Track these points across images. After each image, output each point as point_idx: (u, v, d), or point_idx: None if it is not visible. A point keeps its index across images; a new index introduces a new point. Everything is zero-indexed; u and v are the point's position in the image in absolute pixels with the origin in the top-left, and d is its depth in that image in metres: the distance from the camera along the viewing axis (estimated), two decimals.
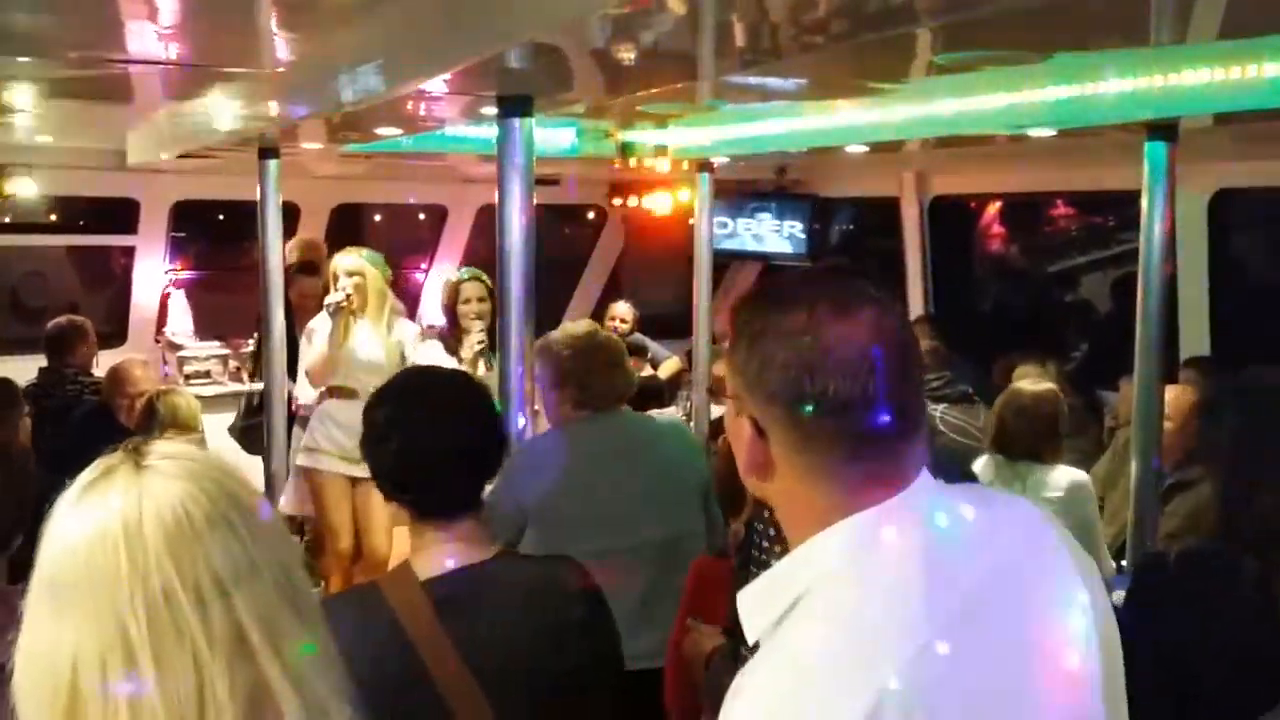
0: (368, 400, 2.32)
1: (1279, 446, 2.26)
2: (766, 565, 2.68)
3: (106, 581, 1.12)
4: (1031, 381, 4.66)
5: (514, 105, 3.13)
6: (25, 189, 7.47)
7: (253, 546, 1.17)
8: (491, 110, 3.22)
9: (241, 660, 1.13)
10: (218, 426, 6.30)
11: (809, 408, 1.34)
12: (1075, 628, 1.38)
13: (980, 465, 4.49)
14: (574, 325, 3.93)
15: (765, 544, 2.65)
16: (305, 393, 5.95)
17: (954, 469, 2.99)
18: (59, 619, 1.13)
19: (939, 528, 1.37)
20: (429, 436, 2.17)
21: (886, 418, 1.35)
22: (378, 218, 9.72)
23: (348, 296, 5.56)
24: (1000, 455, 4.41)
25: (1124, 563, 4.22)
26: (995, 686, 1.30)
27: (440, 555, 2.14)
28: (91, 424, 5.79)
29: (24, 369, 6.02)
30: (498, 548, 2.22)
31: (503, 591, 2.14)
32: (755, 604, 1.38)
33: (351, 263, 5.72)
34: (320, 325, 5.69)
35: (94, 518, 1.15)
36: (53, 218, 8.53)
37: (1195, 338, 6.10)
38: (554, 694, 2.10)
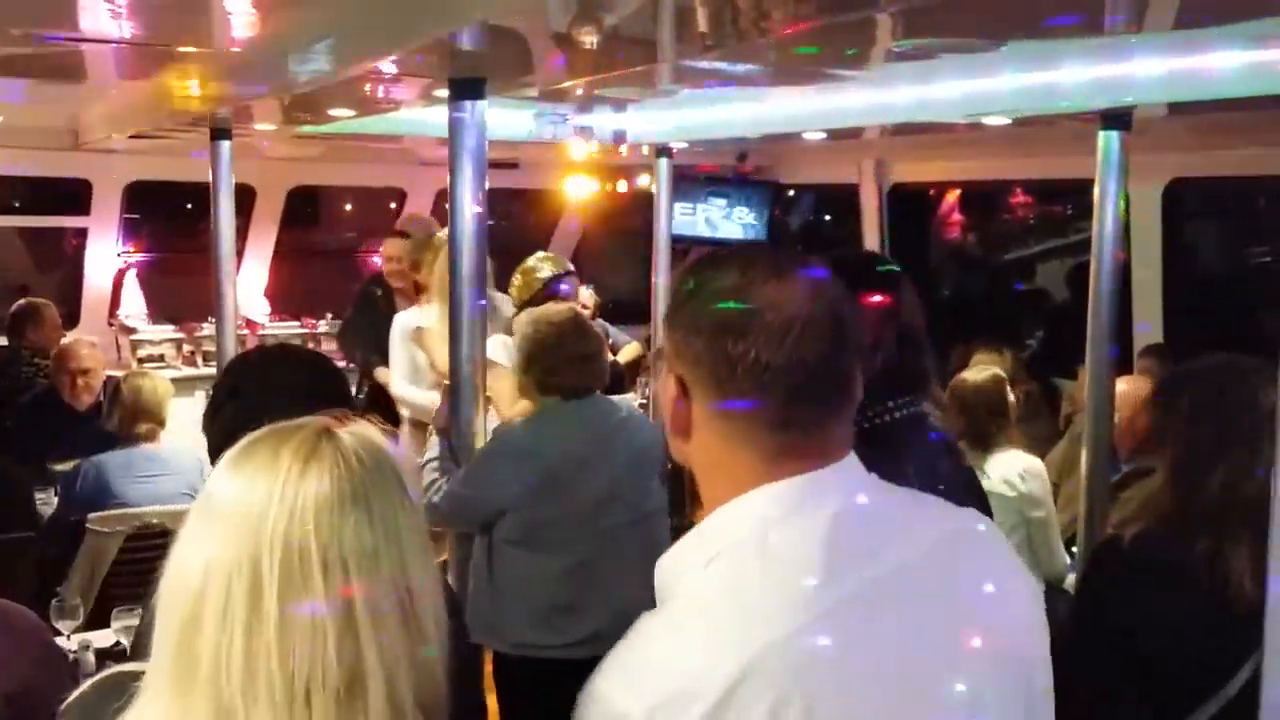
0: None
1: (1228, 428, 2.29)
2: None
3: (256, 514, 1.20)
4: (975, 370, 4.69)
5: (466, 88, 3.10)
6: None
7: (381, 538, 1.24)
8: (443, 93, 3.19)
9: (349, 636, 1.19)
10: (172, 411, 6.21)
11: (732, 369, 1.32)
12: (981, 640, 1.34)
13: None
14: (556, 308, 3.90)
15: None
16: (421, 397, 4.99)
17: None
18: (206, 534, 1.22)
19: (853, 512, 1.34)
20: (264, 411, 2.06)
21: (812, 389, 1.33)
22: (348, 206, 9.63)
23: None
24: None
25: (1075, 549, 4.25)
26: (878, 684, 1.26)
27: None
28: (39, 407, 5.72)
29: None
30: None
31: None
32: (669, 567, 1.36)
33: None
34: (431, 320, 5.16)
35: (266, 457, 1.24)
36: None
37: (1148, 326, 6.15)
38: None
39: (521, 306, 5.10)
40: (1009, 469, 4.34)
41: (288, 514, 1.20)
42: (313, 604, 1.18)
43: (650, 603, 1.36)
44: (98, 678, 1.46)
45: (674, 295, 1.41)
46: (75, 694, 1.44)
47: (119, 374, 5.59)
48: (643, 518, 3.64)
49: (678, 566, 1.35)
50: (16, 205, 8.48)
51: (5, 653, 2.01)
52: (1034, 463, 4.44)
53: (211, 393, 2.15)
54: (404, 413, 5.23)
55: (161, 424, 4.86)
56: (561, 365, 3.62)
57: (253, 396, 2.04)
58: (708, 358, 1.33)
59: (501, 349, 4.82)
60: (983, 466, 4.32)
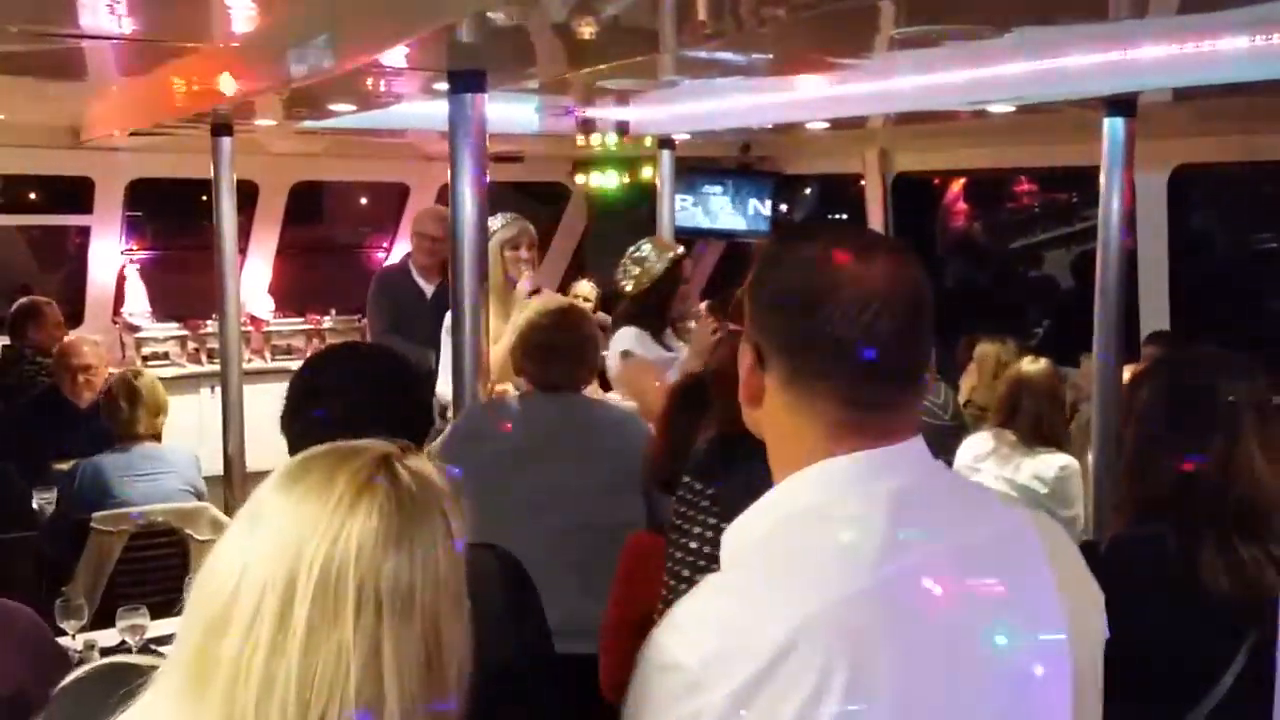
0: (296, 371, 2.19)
1: (1179, 420, 2.26)
2: (686, 531, 2.62)
3: (301, 529, 1.18)
4: (1030, 361, 4.68)
5: (466, 80, 3.08)
6: None
7: (419, 582, 1.21)
8: (444, 86, 3.17)
9: (371, 674, 1.16)
10: (177, 409, 6.20)
11: (807, 341, 1.32)
12: (1033, 626, 1.34)
13: (979, 439, 4.57)
14: (552, 300, 3.85)
15: (689, 511, 2.58)
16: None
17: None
18: (248, 542, 1.20)
19: (914, 491, 1.34)
20: (346, 409, 2.02)
21: (884, 368, 1.32)
22: (354, 201, 9.58)
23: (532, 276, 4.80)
24: (1005, 432, 4.47)
25: (1085, 538, 4.25)
26: (927, 659, 1.26)
27: None
28: (42, 405, 5.71)
29: None
30: None
31: None
32: (732, 536, 1.38)
33: (533, 231, 4.94)
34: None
35: (321, 480, 1.22)
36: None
37: (1155, 313, 6.13)
38: (479, 692, 1.96)
39: (642, 292, 4.81)
40: (1044, 467, 4.34)
41: (331, 541, 1.18)
42: (340, 636, 1.16)
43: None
44: (97, 664, 1.44)
45: (757, 264, 1.41)
46: (71, 677, 1.42)
47: (98, 365, 5.59)
48: (593, 527, 3.43)
49: (740, 535, 1.37)
50: (24, 200, 8.47)
51: (1, 653, 1.99)
52: (1072, 461, 4.43)
53: (289, 392, 2.14)
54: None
55: (163, 420, 4.86)
56: (531, 352, 3.57)
57: (334, 394, 2.06)
58: (784, 328, 1.34)
59: (634, 339, 4.69)
60: (1020, 462, 4.34)
